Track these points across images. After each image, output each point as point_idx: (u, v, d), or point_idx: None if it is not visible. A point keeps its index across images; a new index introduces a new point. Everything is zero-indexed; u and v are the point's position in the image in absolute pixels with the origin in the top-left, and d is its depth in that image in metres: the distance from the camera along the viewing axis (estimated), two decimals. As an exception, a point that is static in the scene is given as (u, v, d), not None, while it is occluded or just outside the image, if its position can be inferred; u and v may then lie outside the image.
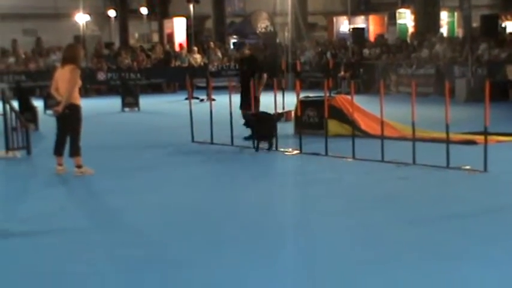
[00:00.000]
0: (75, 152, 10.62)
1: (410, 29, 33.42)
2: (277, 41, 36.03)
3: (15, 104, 14.79)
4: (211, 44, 34.39)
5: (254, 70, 14.17)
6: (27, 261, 6.36)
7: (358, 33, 33.12)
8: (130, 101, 22.75)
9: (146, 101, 23.80)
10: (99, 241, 7.01)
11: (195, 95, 23.57)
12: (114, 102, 23.66)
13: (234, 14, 42.57)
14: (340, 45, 32.21)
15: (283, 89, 16.74)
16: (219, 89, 23.81)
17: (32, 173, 11.61)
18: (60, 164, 10.76)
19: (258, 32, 37.38)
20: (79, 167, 10.67)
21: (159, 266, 6.11)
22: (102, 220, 7.94)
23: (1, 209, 8.62)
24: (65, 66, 10.59)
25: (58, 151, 10.74)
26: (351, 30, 32.51)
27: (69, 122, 10.56)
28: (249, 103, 13.54)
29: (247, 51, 14.80)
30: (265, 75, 14.26)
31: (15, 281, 5.85)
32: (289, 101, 16.41)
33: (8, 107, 12.57)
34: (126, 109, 22.54)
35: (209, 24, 41.47)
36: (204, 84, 27.44)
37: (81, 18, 34.54)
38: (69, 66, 10.57)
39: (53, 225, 7.68)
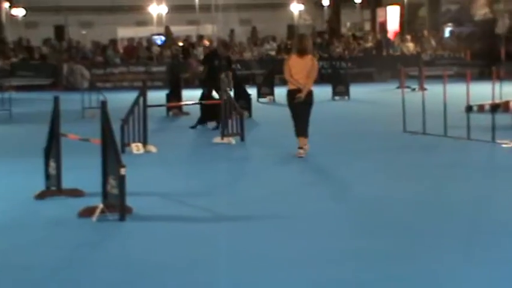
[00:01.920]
0: (307, 133, 11.19)
1: None
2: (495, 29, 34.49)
3: (231, 91, 15.27)
4: (425, 32, 33.61)
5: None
6: (236, 245, 6.51)
7: None
8: (340, 90, 22.78)
9: (356, 90, 23.70)
10: (304, 230, 7.02)
11: (406, 84, 23.12)
12: (324, 91, 23.78)
13: (450, 1, 41.27)
14: None
15: (500, 79, 15.99)
16: (432, 78, 23.19)
17: (245, 158, 11.95)
18: (301, 147, 11.18)
19: (475, 19, 35.99)
20: (301, 148, 11.12)
21: (368, 257, 6.02)
22: (310, 208, 7.97)
23: (220, 192, 8.92)
24: (304, 56, 11.11)
25: (303, 133, 11.20)
26: None
27: (309, 106, 11.19)
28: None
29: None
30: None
31: (228, 264, 6.00)
32: (507, 91, 15.64)
33: (224, 94, 13.00)
34: (337, 97, 22.59)
35: (423, 12, 40.53)
36: (416, 73, 26.86)
37: (296, 8, 35.06)
38: (309, 56, 11.25)
39: (264, 211, 7.82)
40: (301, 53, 11.13)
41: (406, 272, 5.66)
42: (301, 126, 11.16)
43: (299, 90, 11.08)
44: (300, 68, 11.04)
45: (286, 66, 11.16)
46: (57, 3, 47.85)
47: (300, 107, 11.15)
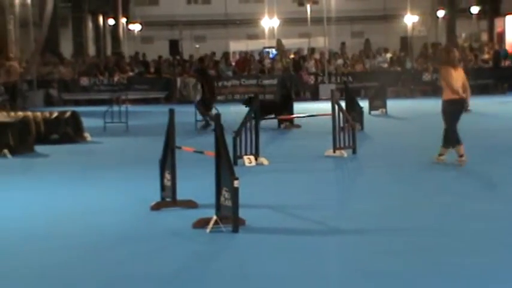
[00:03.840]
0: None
1: None
2: None
3: (343, 104, 15.20)
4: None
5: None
6: (349, 259, 6.45)
7: None
8: (456, 102, 22.24)
9: (473, 102, 23.04)
10: (425, 245, 6.87)
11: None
12: (439, 104, 23.30)
13: None
14: None
15: None
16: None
17: (357, 171, 11.85)
18: (463, 154, 11.42)
19: None
20: (461, 155, 11.39)
21: (485, 279, 5.84)
22: (425, 222, 7.80)
23: (332, 205, 8.88)
24: (457, 67, 11.71)
25: (459, 141, 11.46)
26: None
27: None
28: None
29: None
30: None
31: (340, 277, 5.95)
32: None
33: (336, 107, 12.95)
34: (452, 110, 22.06)
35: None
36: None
37: (409, 19, 34.60)
38: (460, 67, 12.05)
39: (376, 224, 7.73)
40: (456, 65, 11.66)
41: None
42: (458, 135, 11.50)
43: (462, 100, 11.50)
44: (457, 79, 11.47)
45: (450, 77, 11.43)
46: (172, 18, 49.09)
47: (459, 117, 11.57)
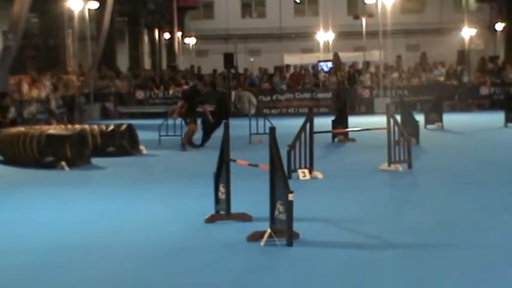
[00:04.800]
0: None
1: None
2: None
3: (398, 118, 15.06)
4: None
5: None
6: (404, 273, 6.37)
7: None
8: (514, 116, 21.88)
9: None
10: (484, 261, 6.74)
11: None
12: (496, 118, 22.96)
13: None
14: None
15: None
16: None
17: (413, 185, 11.71)
18: None
19: None
20: None
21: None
22: (490, 238, 7.66)
23: (387, 220, 8.80)
24: None
25: None
26: None
27: None
28: None
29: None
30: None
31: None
32: None
33: (391, 121, 12.84)
34: (510, 124, 21.70)
35: None
36: None
37: (467, 33, 34.20)
38: None
39: (432, 239, 7.62)
40: None
41: None
42: None
43: None
44: None
45: None
46: (227, 31, 49.45)
47: None
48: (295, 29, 49.32)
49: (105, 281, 6.40)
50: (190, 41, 49.92)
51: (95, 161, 14.80)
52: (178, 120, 19.67)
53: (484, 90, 30.34)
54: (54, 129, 15.35)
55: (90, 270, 6.74)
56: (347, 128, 18.07)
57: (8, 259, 7.21)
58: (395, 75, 31.49)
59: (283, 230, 7.35)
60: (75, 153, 14.41)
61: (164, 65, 46.03)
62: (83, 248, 7.57)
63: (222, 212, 8.70)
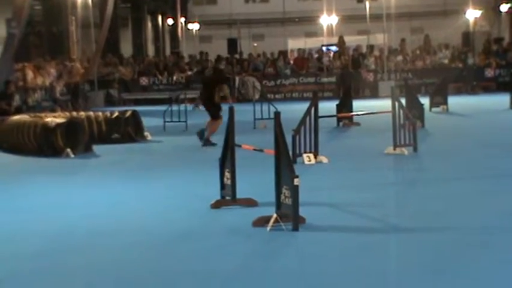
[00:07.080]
0: None
1: None
2: None
3: (403, 101, 15.03)
4: None
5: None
6: (410, 257, 6.37)
7: None
8: (518, 98, 21.80)
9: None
10: (489, 242, 6.74)
11: None
12: (501, 100, 22.89)
13: None
14: None
15: None
16: None
17: (418, 169, 11.69)
18: None
19: None
20: None
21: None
22: (489, 221, 7.65)
23: (393, 203, 8.79)
24: None
25: None
26: None
27: None
28: None
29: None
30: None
31: (400, 276, 5.87)
32: None
33: (396, 104, 12.80)
34: (515, 106, 21.64)
35: None
36: None
37: (471, 14, 34.03)
38: None
39: (438, 223, 7.62)
40: None
41: None
42: None
43: None
44: None
45: None
46: (230, 17, 49.31)
47: None
48: (298, 13, 49.13)
49: (113, 264, 6.42)
50: (194, 26, 49.77)
51: (100, 147, 14.81)
52: (183, 106, 19.69)
53: (489, 73, 30.24)
54: (52, 117, 15.28)
55: (92, 255, 6.75)
56: (352, 112, 18.04)
57: (17, 245, 7.24)
58: (399, 58, 31.39)
59: (289, 215, 7.34)
60: (81, 140, 14.39)
61: (168, 51, 45.95)
62: (90, 234, 7.59)
63: (227, 198, 8.70)
